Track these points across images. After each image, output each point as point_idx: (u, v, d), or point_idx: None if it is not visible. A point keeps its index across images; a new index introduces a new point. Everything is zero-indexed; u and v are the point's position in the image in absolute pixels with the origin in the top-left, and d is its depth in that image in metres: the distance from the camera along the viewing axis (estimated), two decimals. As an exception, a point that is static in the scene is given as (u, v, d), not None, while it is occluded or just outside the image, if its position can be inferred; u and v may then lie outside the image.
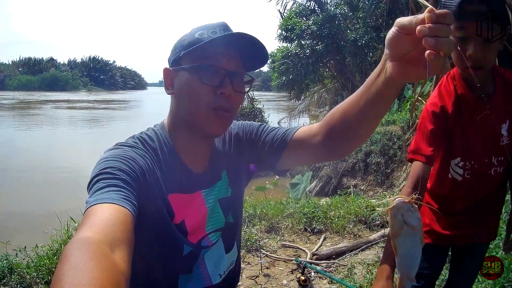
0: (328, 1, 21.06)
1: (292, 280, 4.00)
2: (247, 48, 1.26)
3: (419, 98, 9.29)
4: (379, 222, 5.55)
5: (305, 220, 5.50)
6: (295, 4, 21.83)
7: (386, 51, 0.97)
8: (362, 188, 11.61)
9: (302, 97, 23.37)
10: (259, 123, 1.57)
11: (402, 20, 0.89)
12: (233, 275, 1.54)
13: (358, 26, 19.44)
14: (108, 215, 0.91)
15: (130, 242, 0.91)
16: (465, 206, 2.00)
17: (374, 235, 5.08)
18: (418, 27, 0.82)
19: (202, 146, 1.38)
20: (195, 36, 1.25)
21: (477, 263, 2.12)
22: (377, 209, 5.95)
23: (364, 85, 1.11)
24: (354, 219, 5.57)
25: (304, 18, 20.03)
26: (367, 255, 4.55)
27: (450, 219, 2.04)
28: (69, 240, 4.36)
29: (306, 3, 21.14)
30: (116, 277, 0.76)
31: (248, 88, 1.37)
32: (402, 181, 10.00)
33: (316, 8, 20.63)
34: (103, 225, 0.88)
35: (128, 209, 0.97)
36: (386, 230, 5.15)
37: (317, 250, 4.72)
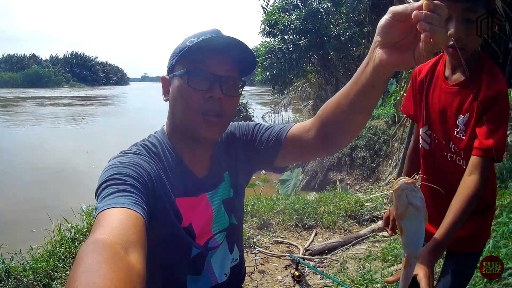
0: (311, -4, 21.14)
1: (287, 275, 4.07)
2: (238, 53, 1.29)
3: (405, 94, 9.42)
4: (368, 217, 5.65)
5: (296, 216, 5.56)
6: (278, -1, 21.87)
7: (377, 38, 1.00)
8: (348, 182, 11.71)
9: (286, 92, 23.39)
10: (255, 122, 1.61)
11: (396, 7, 0.93)
12: (237, 271, 1.57)
13: (341, 21, 19.53)
14: (120, 219, 0.93)
15: (143, 244, 0.92)
16: (436, 192, 1.91)
17: (364, 230, 5.17)
18: (415, 12, 0.86)
19: (202, 149, 1.41)
20: (186, 43, 1.28)
21: (449, 272, 2.06)
22: (366, 204, 6.06)
23: (353, 77, 1.15)
24: (344, 214, 5.64)
25: (287, 13, 20.04)
26: (358, 250, 4.63)
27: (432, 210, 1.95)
28: (62, 241, 4.39)
29: (289, -2, 21.18)
30: (131, 279, 0.78)
31: (241, 92, 1.39)
32: (388, 175, 10.13)
33: (299, 3, 20.65)
34: (116, 228, 0.89)
35: (139, 213, 0.98)
36: (376, 225, 5.26)
37: (309, 245, 4.80)
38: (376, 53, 1.01)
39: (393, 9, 0.94)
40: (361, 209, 5.80)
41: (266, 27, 19.92)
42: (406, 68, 1.07)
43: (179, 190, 1.30)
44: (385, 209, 5.98)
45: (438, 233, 1.70)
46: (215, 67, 1.27)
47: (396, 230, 2.27)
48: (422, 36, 0.86)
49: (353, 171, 11.98)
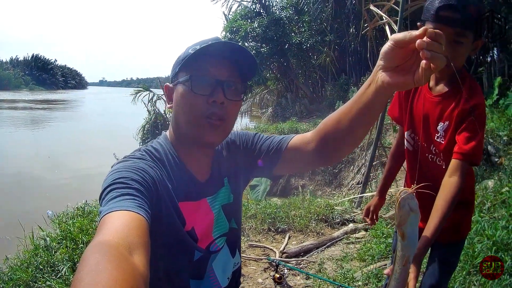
0: (274, 4, 21.35)
1: (267, 278, 4.11)
2: (239, 58, 1.33)
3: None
4: (339, 220, 5.78)
5: (269, 220, 5.63)
6: (240, 6, 21.97)
7: (380, 62, 1.08)
8: (310, 188, 11.85)
9: (244, 98, 23.52)
10: (254, 132, 1.65)
11: (397, 35, 1.01)
12: (237, 275, 1.61)
13: (303, 30, 19.76)
14: (124, 221, 0.94)
15: (147, 246, 0.93)
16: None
17: (337, 232, 5.30)
18: (419, 41, 0.94)
19: (204, 154, 1.44)
20: (189, 51, 1.31)
21: (436, 261, 2.24)
22: (336, 208, 6.20)
23: (355, 96, 1.21)
24: (316, 218, 5.75)
25: (249, 20, 20.17)
26: (333, 251, 4.74)
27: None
28: (37, 250, 4.28)
29: (252, 5, 21.32)
30: (135, 279, 0.78)
31: (243, 96, 1.43)
32: (350, 180, 10.34)
33: (261, 11, 20.82)
34: (120, 230, 0.90)
35: (143, 216, 0.99)
36: (348, 227, 5.40)
37: (284, 248, 4.87)
38: (378, 76, 1.09)
39: (394, 36, 1.02)
40: (332, 212, 5.93)
41: (228, 34, 19.98)
42: (406, 89, 1.18)
43: (182, 194, 1.32)
44: (354, 212, 6.15)
45: (426, 232, 1.85)
46: (217, 72, 1.30)
47: (375, 221, 2.59)
48: (422, 63, 0.95)
49: (315, 177, 12.09)
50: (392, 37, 1.03)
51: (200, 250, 1.36)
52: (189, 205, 1.34)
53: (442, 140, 2.06)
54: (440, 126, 2.07)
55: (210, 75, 1.29)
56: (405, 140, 2.31)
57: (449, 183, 1.91)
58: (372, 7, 7.24)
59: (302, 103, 20.84)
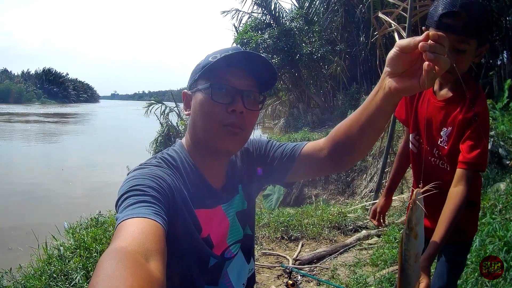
0: (284, 15, 21.45)
1: (280, 285, 4.14)
2: (259, 68, 1.35)
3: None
4: (352, 227, 5.79)
5: (282, 228, 5.66)
6: (250, 18, 22.11)
7: (386, 68, 1.11)
8: (323, 197, 11.83)
9: (262, 108, 23.59)
10: (267, 139, 1.67)
11: (401, 41, 1.05)
12: (252, 282, 1.62)
13: (313, 40, 19.82)
14: (141, 228, 0.94)
15: (163, 253, 0.93)
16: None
17: (350, 239, 5.31)
18: (421, 44, 0.98)
19: (220, 162, 1.45)
20: (209, 59, 1.33)
21: (443, 262, 2.28)
22: (349, 215, 6.21)
23: (364, 103, 1.25)
24: (328, 225, 5.76)
25: (259, 31, 20.27)
26: (346, 258, 4.75)
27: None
28: (51, 259, 4.35)
29: (262, 17, 21.44)
30: (151, 286, 0.79)
31: (261, 106, 1.44)
32: (363, 188, 10.31)
33: (271, 22, 20.94)
34: (136, 237, 0.90)
35: (159, 223, 0.99)
36: (361, 234, 5.40)
37: (297, 255, 4.88)
38: (386, 82, 1.12)
39: (399, 43, 1.06)
40: (344, 220, 5.95)
41: (239, 46, 20.02)
42: (413, 93, 1.21)
43: (198, 201, 1.32)
44: (367, 219, 6.15)
45: (434, 240, 1.89)
46: (237, 81, 1.32)
47: (382, 223, 2.62)
48: (425, 65, 0.98)
49: (328, 186, 12.05)
50: (397, 43, 1.06)
51: (215, 257, 1.37)
52: (205, 213, 1.34)
53: (445, 145, 2.10)
54: (444, 131, 2.11)
55: (230, 84, 1.31)
56: (409, 142, 2.35)
57: (455, 192, 1.94)
58: (380, 15, 7.27)
59: (314, 113, 20.83)
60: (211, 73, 1.30)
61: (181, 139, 1.52)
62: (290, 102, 24.13)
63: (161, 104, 14.28)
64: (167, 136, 13.56)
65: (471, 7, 1.83)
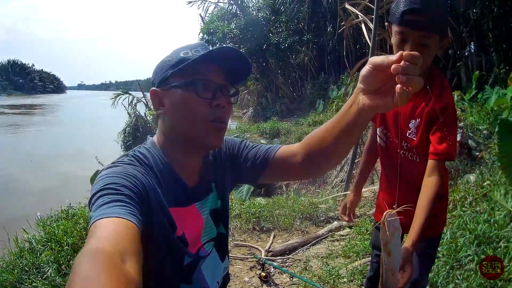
0: (250, 5, 21.44)
1: (253, 276, 4.14)
2: (233, 62, 1.35)
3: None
4: (323, 218, 5.83)
5: (253, 219, 5.65)
6: (216, 8, 22.03)
7: (360, 85, 1.11)
8: (294, 187, 11.88)
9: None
10: (240, 139, 1.66)
11: (375, 59, 1.04)
12: (227, 280, 1.63)
13: (280, 30, 19.89)
14: (116, 228, 0.94)
15: (139, 253, 0.93)
16: (393, 183, 2.30)
17: (322, 230, 5.35)
18: (393, 66, 0.96)
19: (195, 160, 1.44)
20: (180, 55, 1.32)
21: (415, 255, 2.19)
22: (320, 206, 6.26)
23: (338, 114, 1.26)
24: (300, 216, 5.78)
25: (226, 21, 20.23)
26: (318, 249, 4.79)
27: (389, 199, 2.36)
28: (22, 252, 4.27)
29: (228, 7, 21.37)
30: (128, 287, 0.79)
31: (236, 99, 1.45)
32: (334, 178, 10.41)
33: (238, 12, 20.91)
34: (111, 238, 0.90)
35: (134, 223, 0.99)
36: (333, 225, 5.45)
37: (270, 247, 4.91)
38: (359, 98, 1.13)
39: (372, 60, 1.05)
40: (316, 211, 5.98)
41: (205, 36, 19.99)
42: (387, 111, 1.23)
43: (172, 200, 1.31)
44: (338, 210, 6.21)
45: (413, 230, 1.94)
46: (215, 76, 1.32)
47: (353, 218, 2.66)
48: (397, 88, 0.97)
49: (298, 176, 12.09)
50: (371, 61, 1.06)
51: (189, 255, 1.37)
52: (180, 211, 1.34)
53: (414, 137, 2.14)
54: (412, 123, 2.15)
55: (210, 79, 1.31)
56: (377, 137, 2.38)
57: (429, 182, 2.00)
58: (347, 6, 7.32)
59: (282, 102, 20.96)
60: (188, 69, 1.28)
61: (150, 130, 1.49)
62: (258, 92, 24.20)
63: (128, 95, 14.15)
64: (135, 127, 13.46)
65: (432, 3, 1.87)
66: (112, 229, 0.93)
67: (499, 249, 3.43)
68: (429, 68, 2.09)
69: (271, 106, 20.72)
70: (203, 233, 1.45)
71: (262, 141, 13.46)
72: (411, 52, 0.96)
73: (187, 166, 1.41)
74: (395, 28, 1.95)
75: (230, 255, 4.62)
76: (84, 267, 0.79)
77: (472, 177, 5.75)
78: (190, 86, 1.28)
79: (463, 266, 3.35)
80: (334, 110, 15.91)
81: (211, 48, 1.36)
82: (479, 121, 7.75)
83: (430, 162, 2.03)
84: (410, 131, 2.15)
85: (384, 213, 1.19)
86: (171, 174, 1.35)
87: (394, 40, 1.99)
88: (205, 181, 1.48)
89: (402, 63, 0.96)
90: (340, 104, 16.01)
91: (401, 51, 0.98)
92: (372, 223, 5.08)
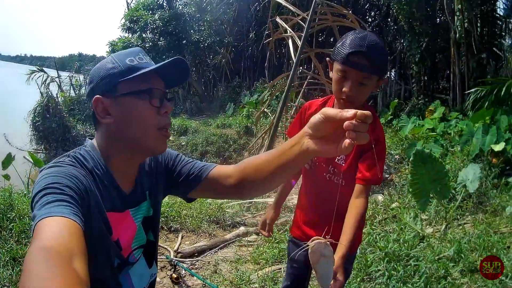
0: (178, -1, 21.22)
1: (164, 277, 4.12)
2: (168, 68, 1.37)
3: (265, 110, 10.04)
4: (230, 222, 5.92)
5: (162, 219, 5.60)
6: (145, -4, 21.54)
7: (308, 130, 1.17)
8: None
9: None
10: (176, 152, 1.69)
11: (328, 111, 1.10)
12: (153, 285, 1.65)
13: (203, 28, 19.86)
14: (62, 228, 0.95)
15: (85, 253, 0.94)
16: (315, 203, 2.48)
17: (229, 235, 5.43)
18: (346, 123, 1.04)
19: (133, 167, 1.47)
20: (127, 63, 1.32)
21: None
22: (227, 210, 6.35)
23: (278, 150, 1.32)
24: (207, 219, 5.82)
25: (151, 11, 19.85)
26: (226, 253, 4.87)
27: (308, 217, 2.52)
28: None
29: (156, -4, 21.00)
30: (78, 286, 0.81)
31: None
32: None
33: (164, 4, 20.59)
34: (59, 237, 0.91)
35: (78, 223, 1.00)
36: (240, 230, 5.56)
37: (178, 248, 4.90)
38: (305, 141, 1.19)
39: (326, 111, 1.11)
40: (223, 215, 6.05)
41: (127, 23, 19.48)
42: (329, 156, 1.36)
43: (109, 204, 1.33)
44: (244, 216, 6.36)
45: (343, 243, 2.11)
46: (159, 84, 1.36)
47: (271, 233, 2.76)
48: (345, 142, 1.05)
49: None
50: (324, 112, 1.12)
51: (120, 259, 1.39)
52: (116, 216, 1.35)
53: (343, 163, 2.30)
54: None
55: (157, 87, 1.33)
56: None
57: (357, 203, 2.19)
58: (278, 20, 7.49)
59: (193, 100, 20.90)
60: (136, 77, 1.29)
61: (61, 113, 1.46)
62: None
63: (43, 73, 13.43)
64: (46, 107, 12.82)
65: (376, 48, 2.02)
66: (58, 228, 0.94)
67: (408, 266, 3.72)
68: (363, 104, 2.25)
69: (182, 103, 20.56)
70: (134, 239, 1.47)
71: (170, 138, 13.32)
72: (364, 112, 1.04)
73: (124, 173, 1.42)
74: (337, 66, 2.09)
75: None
76: (36, 266, 0.81)
77: (380, 197, 6.20)
78: (144, 94, 1.31)
79: (374, 279, 3.60)
80: (244, 115, 16.23)
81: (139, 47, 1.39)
82: (391, 146, 8.30)
83: (358, 186, 2.22)
84: (339, 158, 2.31)
85: (313, 240, 1.46)
86: (109, 179, 1.36)
87: (335, 76, 2.13)
88: (140, 189, 1.50)
89: (353, 121, 1.04)
90: (251, 110, 16.42)
91: (355, 111, 1.06)
92: (280, 232, 5.26)
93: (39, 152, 13.45)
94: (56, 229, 0.93)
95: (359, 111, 1.04)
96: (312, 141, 1.17)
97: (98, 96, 1.32)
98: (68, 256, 0.86)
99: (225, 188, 1.53)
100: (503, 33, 13.19)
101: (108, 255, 1.33)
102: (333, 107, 2.36)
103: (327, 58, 2.21)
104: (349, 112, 1.05)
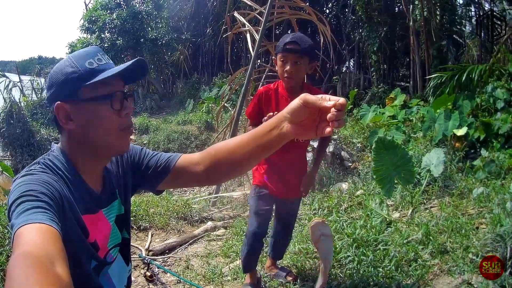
0: (134, -3, 20.98)
1: (138, 276, 4.13)
2: (128, 70, 1.36)
3: (225, 105, 10.08)
4: (197, 218, 5.97)
5: (131, 218, 5.58)
6: (102, -5, 21.18)
7: (286, 115, 1.24)
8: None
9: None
10: (140, 146, 1.71)
11: (308, 97, 1.18)
12: (130, 283, 1.70)
13: (160, 26, 19.72)
14: (41, 234, 0.96)
15: (65, 257, 0.96)
16: (279, 163, 3.23)
17: (198, 230, 5.47)
18: (330, 115, 1.14)
19: (99, 167, 1.49)
20: (86, 66, 1.31)
21: (289, 213, 3.58)
22: (193, 206, 6.40)
23: (253, 134, 1.37)
24: (175, 216, 5.83)
25: (109, 11, 19.59)
26: (197, 248, 4.91)
27: (274, 176, 3.29)
28: None
29: (114, -5, 20.69)
30: None
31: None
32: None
33: (121, 3, 20.32)
34: (39, 243, 0.93)
35: (56, 229, 1.02)
36: (207, 225, 5.61)
37: (149, 246, 4.91)
38: (284, 125, 1.26)
39: (305, 98, 1.19)
40: (190, 210, 6.08)
41: (86, 23, 19.20)
42: (306, 139, 1.51)
43: (83, 207, 1.35)
44: (211, 210, 6.43)
45: (316, 164, 3.56)
46: (118, 84, 1.37)
47: None
48: (327, 130, 1.18)
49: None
50: (303, 97, 1.20)
51: (96, 259, 1.41)
52: (90, 218, 1.38)
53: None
54: None
55: (118, 90, 1.35)
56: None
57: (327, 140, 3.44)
58: (236, 14, 7.55)
59: (153, 98, 20.74)
60: (96, 81, 1.30)
61: (24, 118, 1.47)
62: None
63: (5, 78, 13.12)
64: (10, 113, 12.66)
65: (304, 39, 2.96)
66: (38, 235, 0.96)
67: (378, 251, 3.84)
68: (302, 81, 3.14)
69: (141, 102, 20.37)
70: (110, 238, 1.50)
71: (131, 137, 13.21)
72: (341, 102, 1.15)
73: (92, 173, 1.45)
74: (279, 56, 2.98)
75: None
76: (17, 272, 0.83)
77: (344, 185, 6.33)
78: (106, 99, 1.33)
79: (344, 266, 3.70)
80: (204, 111, 16.24)
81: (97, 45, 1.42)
82: (353, 134, 8.47)
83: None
84: None
85: (313, 220, 1.65)
86: (79, 181, 1.38)
87: (278, 63, 3.00)
88: (109, 188, 1.52)
89: (335, 112, 1.14)
90: (210, 105, 16.45)
91: (335, 99, 1.16)
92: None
93: (5, 159, 13.19)
94: (35, 235, 0.95)
95: (338, 102, 1.14)
96: (291, 125, 1.25)
97: (59, 102, 1.32)
98: (49, 261, 0.88)
99: (195, 175, 1.55)
100: (463, 21, 13.63)
101: (87, 257, 1.35)
102: (277, 87, 3.17)
103: (273, 57, 3.17)
104: (329, 102, 1.15)
